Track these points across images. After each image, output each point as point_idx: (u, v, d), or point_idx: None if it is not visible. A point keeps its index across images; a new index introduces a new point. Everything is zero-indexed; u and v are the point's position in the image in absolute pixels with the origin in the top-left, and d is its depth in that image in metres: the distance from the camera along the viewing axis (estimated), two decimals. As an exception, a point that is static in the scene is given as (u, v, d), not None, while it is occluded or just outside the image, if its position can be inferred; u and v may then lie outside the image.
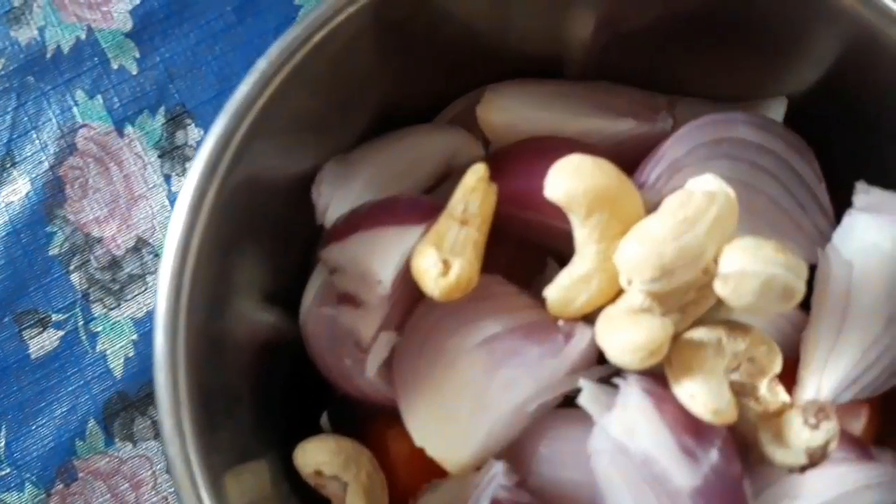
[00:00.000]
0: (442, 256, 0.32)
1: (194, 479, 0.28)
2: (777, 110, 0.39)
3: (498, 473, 0.33)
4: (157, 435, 0.58)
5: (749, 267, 0.30)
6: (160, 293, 0.29)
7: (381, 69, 0.38)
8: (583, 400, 0.32)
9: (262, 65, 0.31)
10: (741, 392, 0.33)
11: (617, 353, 0.31)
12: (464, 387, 0.35)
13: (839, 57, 0.37)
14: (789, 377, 0.37)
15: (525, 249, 0.39)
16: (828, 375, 0.35)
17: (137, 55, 0.63)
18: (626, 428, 0.31)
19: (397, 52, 0.37)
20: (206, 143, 0.30)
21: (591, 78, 0.42)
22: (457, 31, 0.38)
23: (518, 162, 0.36)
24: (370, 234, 0.34)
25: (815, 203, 0.37)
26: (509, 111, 0.39)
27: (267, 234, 0.37)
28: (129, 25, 0.64)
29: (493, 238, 0.39)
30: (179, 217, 0.30)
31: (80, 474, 0.58)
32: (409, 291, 0.35)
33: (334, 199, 0.37)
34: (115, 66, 0.63)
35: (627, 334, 0.31)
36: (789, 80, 0.40)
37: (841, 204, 0.37)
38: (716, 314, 0.34)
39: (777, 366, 0.33)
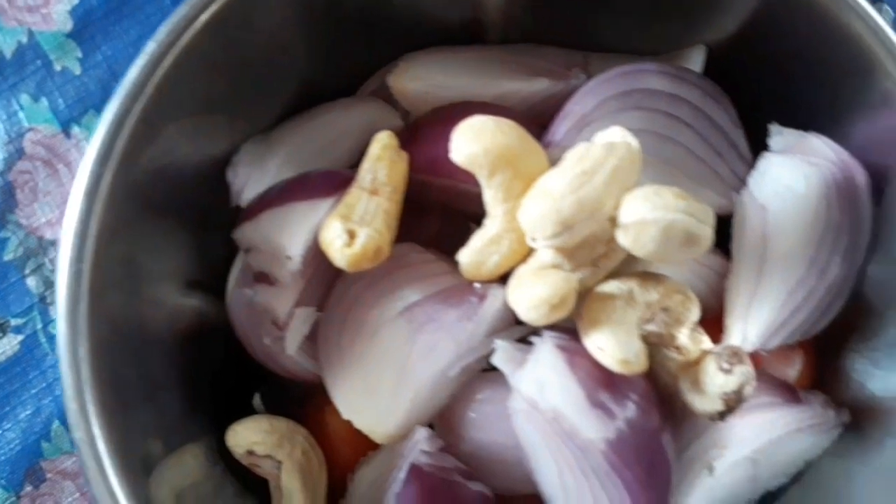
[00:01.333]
0: (350, 227, 0.32)
1: (101, 462, 0.28)
2: (696, 60, 0.39)
3: (420, 440, 0.33)
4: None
5: (648, 215, 0.29)
6: (59, 279, 0.29)
7: (292, 45, 0.38)
8: (496, 359, 0.32)
9: (150, 47, 0.31)
10: (661, 343, 0.33)
11: (523, 309, 0.31)
12: (387, 357, 0.35)
13: (756, 7, 0.37)
14: (720, 326, 0.37)
15: (450, 219, 0.39)
16: (753, 321, 0.35)
17: (80, 55, 0.62)
18: (536, 384, 0.31)
19: (306, 26, 0.37)
20: (98, 129, 0.30)
21: (513, 41, 0.42)
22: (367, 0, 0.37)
23: (430, 129, 0.36)
24: (281, 210, 0.34)
25: (732, 150, 0.36)
26: (423, 79, 0.38)
27: (185, 220, 0.36)
28: (69, 26, 0.63)
29: (418, 209, 0.38)
30: (75, 203, 0.30)
31: (49, 475, 0.58)
32: (325, 267, 0.35)
33: (251, 180, 0.37)
34: (58, 67, 0.63)
35: (532, 290, 0.30)
36: (707, 31, 0.39)
37: (763, 149, 0.37)
38: (633, 267, 0.34)
39: (694, 314, 0.32)
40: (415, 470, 0.32)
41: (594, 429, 0.30)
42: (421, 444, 0.33)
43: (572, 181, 0.30)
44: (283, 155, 0.38)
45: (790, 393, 0.35)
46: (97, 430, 0.28)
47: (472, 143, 0.31)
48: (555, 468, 0.32)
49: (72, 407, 0.28)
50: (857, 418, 0.35)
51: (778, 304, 0.35)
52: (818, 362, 0.39)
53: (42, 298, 0.60)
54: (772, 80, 0.38)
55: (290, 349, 0.35)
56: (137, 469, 0.30)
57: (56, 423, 0.59)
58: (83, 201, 0.30)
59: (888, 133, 0.34)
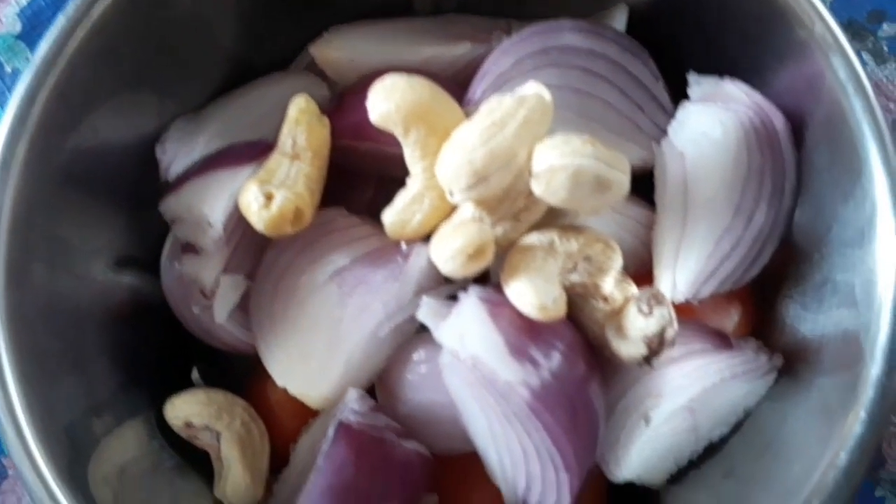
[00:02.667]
0: (267, 190, 0.32)
1: (23, 436, 0.28)
2: (619, 19, 0.39)
3: (350, 399, 0.33)
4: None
5: (556, 161, 0.29)
6: None
7: (217, 23, 0.38)
8: (421, 314, 0.32)
9: (60, 21, 0.31)
10: (587, 293, 0.33)
11: (442, 261, 0.31)
12: (319, 322, 0.35)
13: None
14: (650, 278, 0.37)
15: (384, 187, 0.39)
16: (681, 270, 0.35)
17: (30, 56, 0.63)
18: (458, 334, 0.31)
19: (228, 3, 0.37)
20: (10, 102, 0.30)
21: (442, 12, 0.42)
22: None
23: (354, 96, 0.36)
24: (202, 179, 0.34)
25: (653, 102, 0.36)
26: (346, 48, 0.38)
27: (116, 197, 0.37)
28: (17, 28, 0.64)
29: (352, 178, 0.39)
30: None
31: (10, 471, 0.58)
32: (251, 235, 0.35)
33: (179, 156, 0.37)
34: (8, 69, 0.63)
35: (449, 242, 0.30)
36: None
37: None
38: (559, 221, 0.34)
39: (617, 262, 0.33)
40: (343, 427, 0.32)
41: (513, 373, 0.30)
42: (351, 404, 0.33)
43: (483, 132, 0.30)
44: (213, 131, 0.38)
45: (721, 339, 0.35)
46: (16, 399, 0.28)
47: (385, 101, 0.31)
48: (483, 419, 0.32)
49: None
50: (791, 363, 0.35)
51: (705, 253, 0.35)
52: (755, 312, 0.39)
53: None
54: (692, 34, 0.38)
55: (219, 317, 0.35)
56: (63, 439, 0.30)
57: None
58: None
59: (804, 80, 0.34)
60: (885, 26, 0.68)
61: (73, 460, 0.30)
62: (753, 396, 0.36)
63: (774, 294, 0.38)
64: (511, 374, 0.30)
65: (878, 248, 0.30)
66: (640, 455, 0.35)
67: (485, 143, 0.30)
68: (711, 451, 0.37)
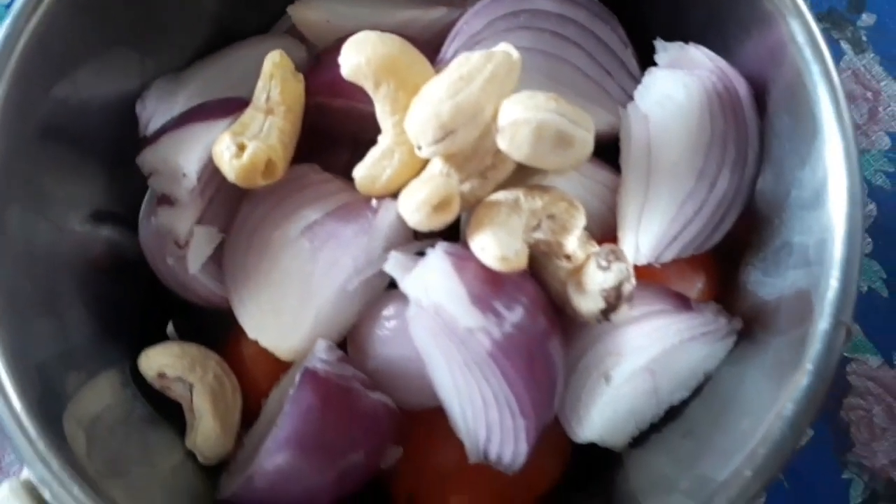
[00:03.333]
0: (240, 140, 0.33)
1: (27, 432, 0.29)
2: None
3: (319, 349, 0.34)
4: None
5: (521, 115, 0.30)
6: None
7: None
8: (388, 267, 0.33)
9: (41, -31, 0.32)
10: (551, 252, 0.34)
11: (409, 213, 0.32)
12: (290, 276, 0.36)
13: None
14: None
15: (360, 150, 0.40)
16: (644, 233, 0.36)
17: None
18: (422, 284, 0.32)
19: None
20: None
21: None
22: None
23: (329, 55, 0.37)
24: (179, 132, 0.35)
25: (621, 68, 0.37)
26: (324, 10, 0.39)
27: (95, 151, 0.37)
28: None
29: (328, 141, 0.40)
30: None
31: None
32: (225, 188, 0.36)
33: (158, 113, 0.38)
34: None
35: (416, 193, 0.31)
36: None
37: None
38: (527, 182, 0.35)
39: (580, 221, 0.34)
40: (309, 373, 0.33)
41: (474, 320, 0.31)
42: (319, 353, 0.34)
43: (450, 86, 0.31)
44: (192, 90, 0.39)
45: (681, 301, 0.36)
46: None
47: (356, 54, 0.32)
48: (446, 370, 0.33)
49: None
50: (750, 326, 0.36)
51: (668, 217, 0.36)
52: (718, 280, 0.40)
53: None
54: (660, 2, 0.39)
55: (192, 268, 0.36)
56: (34, 377, 0.31)
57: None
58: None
59: (767, 50, 0.35)
60: (864, 16, 0.69)
61: (44, 397, 0.30)
62: (713, 360, 0.37)
63: (736, 262, 0.39)
64: (472, 321, 0.31)
65: (831, 208, 0.31)
66: (601, 415, 0.36)
67: (452, 96, 0.31)
68: (672, 414, 0.38)
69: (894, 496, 0.56)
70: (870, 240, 0.62)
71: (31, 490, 0.29)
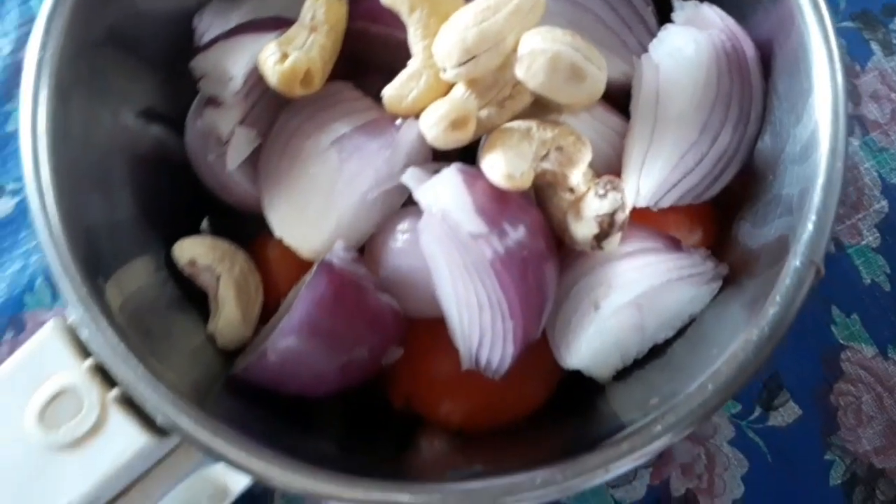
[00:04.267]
0: (284, 50, 0.36)
1: (72, 275, 0.33)
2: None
3: (337, 247, 0.38)
4: (101, 292, 0.63)
5: (538, 45, 0.33)
6: (26, 65, 0.34)
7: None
8: (405, 178, 0.36)
9: None
10: (556, 183, 0.37)
11: (427, 127, 0.35)
12: (317, 183, 0.39)
13: None
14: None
15: (391, 77, 0.43)
16: (645, 177, 0.39)
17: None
18: (433, 193, 0.35)
19: None
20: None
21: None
22: None
23: (372, -13, 0.40)
24: (229, 41, 0.39)
25: (641, 23, 0.40)
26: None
27: (151, 58, 0.41)
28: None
29: (364, 68, 0.43)
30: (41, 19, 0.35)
31: (28, 324, 0.63)
32: (269, 96, 0.39)
33: (213, 26, 0.42)
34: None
35: (436, 108, 0.35)
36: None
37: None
38: (542, 117, 0.38)
39: (586, 156, 0.37)
40: (325, 265, 0.36)
41: (477, 228, 0.34)
42: (337, 251, 0.37)
43: (477, 15, 0.34)
44: (246, 9, 0.42)
45: (672, 241, 0.39)
46: (48, 186, 0.33)
47: (395, -19, 0.35)
48: (448, 276, 0.36)
49: (28, 165, 0.33)
50: (735, 272, 0.39)
51: (670, 164, 0.39)
52: (714, 234, 0.42)
53: (38, 168, 0.65)
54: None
55: (230, 164, 0.39)
56: (83, 237, 0.34)
57: (40, 279, 0.64)
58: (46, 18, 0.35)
59: (777, 17, 0.38)
60: (896, 20, 0.70)
61: (89, 256, 0.34)
62: (698, 302, 0.40)
63: (730, 216, 0.41)
64: (475, 228, 0.34)
65: (815, 161, 0.34)
66: (589, 344, 0.39)
67: (477, 24, 0.34)
68: (655, 352, 0.41)
69: (873, 480, 0.58)
70: (878, 234, 0.65)
71: (71, 330, 0.33)
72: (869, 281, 0.64)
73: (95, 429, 0.32)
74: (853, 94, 0.68)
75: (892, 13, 0.71)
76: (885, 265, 0.65)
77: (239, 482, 0.54)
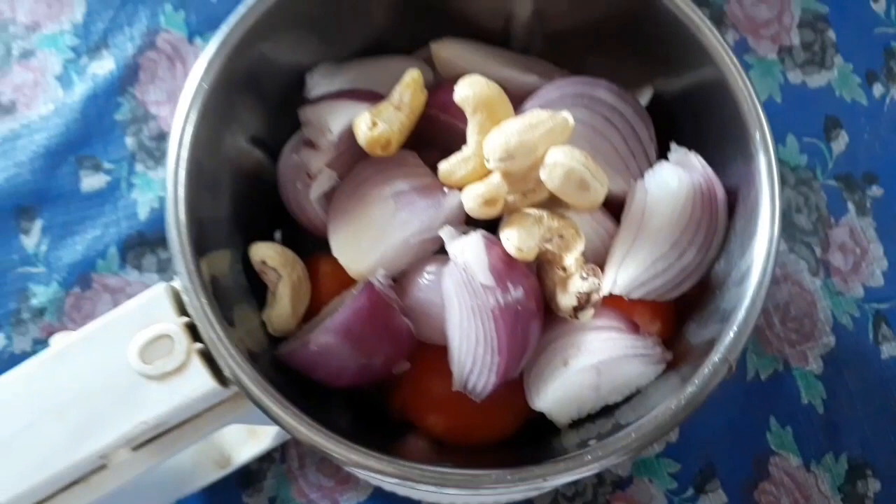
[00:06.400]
0: (374, 120, 0.48)
1: (185, 253, 0.44)
2: (645, 95, 0.55)
3: (379, 274, 0.49)
4: (160, 270, 0.74)
5: (560, 159, 0.45)
6: (175, 124, 0.46)
7: (375, 7, 0.55)
8: (442, 232, 0.48)
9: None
10: (553, 261, 0.48)
11: (467, 199, 0.46)
12: (374, 222, 0.50)
13: (693, 80, 0.53)
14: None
15: (446, 154, 0.55)
16: (623, 272, 0.50)
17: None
18: (460, 249, 0.46)
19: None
20: (221, 29, 0.47)
21: (528, 53, 0.58)
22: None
23: (448, 83, 0.52)
24: (334, 101, 0.51)
25: (644, 155, 0.52)
26: (456, 53, 0.54)
27: (266, 98, 0.53)
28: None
29: (427, 144, 0.55)
30: (196, 73, 0.46)
31: (95, 285, 0.74)
32: (353, 149, 0.51)
33: (320, 85, 0.53)
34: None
35: (476, 187, 0.46)
36: (658, 80, 0.55)
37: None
38: (554, 209, 0.50)
39: (580, 246, 0.48)
40: (369, 284, 0.47)
41: (488, 280, 0.45)
42: (379, 276, 0.48)
43: (521, 128, 0.46)
44: (349, 76, 0.54)
45: (634, 326, 0.49)
46: (181, 181, 0.45)
47: (468, 87, 0.47)
48: (458, 312, 0.47)
49: (171, 164, 0.45)
50: (677, 359, 0.50)
51: (643, 266, 0.49)
52: (671, 327, 0.53)
53: (133, 155, 0.77)
54: (684, 123, 0.54)
55: (313, 195, 0.51)
56: (195, 222, 0.45)
57: (112, 249, 0.75)
58: (208, 60, 0.47)
59: (744, 174, 0.49)
60: (874, 188, 0.82)
61: (198, 238, 0.45)
62: (645, 378, 0.49)
63: (684, 317, 0.52)
64: (486, 280, 0.45)
65: (747, 286, 0.45)
66: (554, 392, 0.48)
67: (520, 134, 0.46)
68: (606, 412, 0.51)
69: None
70: (822, 364, 0.75)
71: (176, 293, 0.45)
72: (807, 401, 0.74)
73: (179, 369, 0.42)
74: (824, 241, 0.79)
75: (871, 181, 0.82)
76: (823, 391, 0.75)
77: (241, 454, 0.65)
